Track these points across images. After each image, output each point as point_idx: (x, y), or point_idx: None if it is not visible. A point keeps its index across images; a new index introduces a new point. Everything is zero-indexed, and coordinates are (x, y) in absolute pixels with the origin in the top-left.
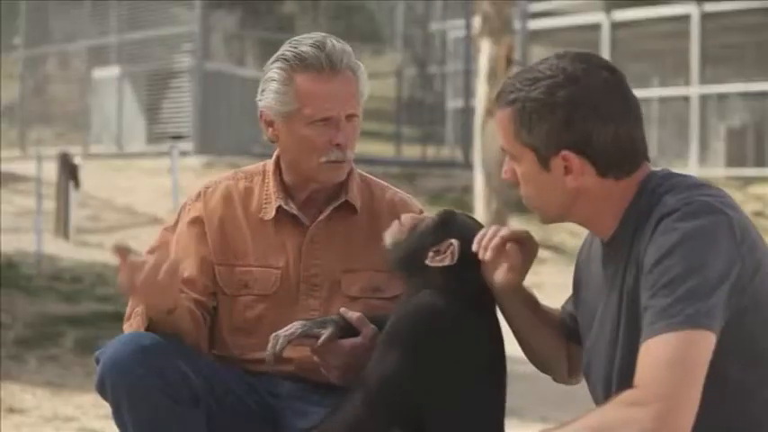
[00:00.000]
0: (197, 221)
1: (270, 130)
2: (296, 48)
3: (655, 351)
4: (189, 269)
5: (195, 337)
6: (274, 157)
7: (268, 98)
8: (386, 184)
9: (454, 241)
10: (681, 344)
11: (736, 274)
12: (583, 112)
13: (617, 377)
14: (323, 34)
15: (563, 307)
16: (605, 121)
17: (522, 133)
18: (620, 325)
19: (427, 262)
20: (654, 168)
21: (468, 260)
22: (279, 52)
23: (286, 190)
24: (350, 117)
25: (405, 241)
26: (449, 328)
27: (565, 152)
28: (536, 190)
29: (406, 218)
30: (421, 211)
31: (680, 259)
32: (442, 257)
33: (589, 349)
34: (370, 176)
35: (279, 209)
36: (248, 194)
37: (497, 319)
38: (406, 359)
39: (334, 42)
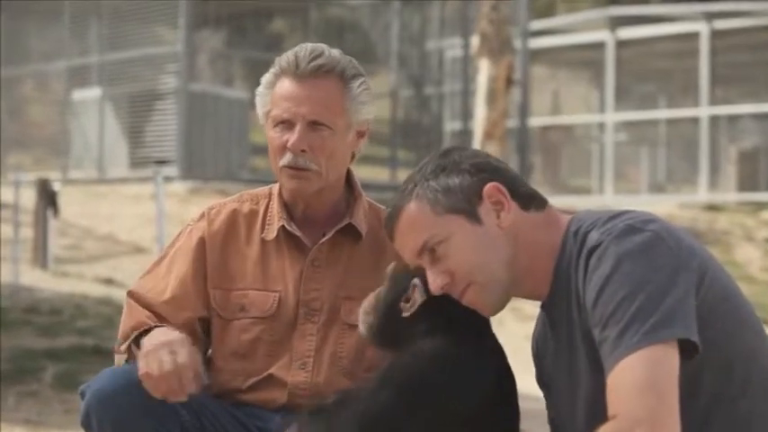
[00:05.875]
0: (198, 242)
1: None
2: (287, 54)
3: (622, 378)
4: (181, 288)
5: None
6: None
7: (257, 101)
8: None
9: (415, 280)
10: (646, 364)
11: (686, 280)
12: (479, 157)
13: (585, 418)
14: (318, 44)
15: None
16: (498, 161)
17: (440, 201)
18: (578, 367)
19: (405, 314)
20: (566, 214)
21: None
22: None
23: (287, 209)
24: (314, 125)
25: (377, 319)
26: (450, 375)
27: (489, 186)
28: (477, 259)
29: (366, 301)
30: None
31: (621, 284)
32: (413, 300)
33: (554, 405)
34: (380, 206)
35: (281, 229)
36: (253, 216)
37: (496, 341)
38: (398, 400)
39: (311, 47)
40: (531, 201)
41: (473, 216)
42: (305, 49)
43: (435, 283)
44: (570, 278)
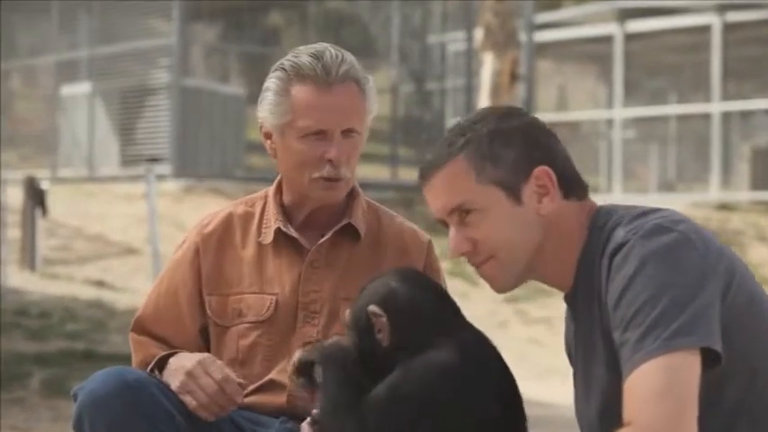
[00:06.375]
0: (191, 253)
1: (268, 142)
2: (296, 57)
3: (640, 385)
4: (176, 308)
5: None
6: (277, 179)
7: (264, 109)
8: (394, 213)
9: (370, 308)
10: (665, 371)
11: (712, 285)
12: (538, 131)
13: (600, 423)
14: (326, 44)
15: None
16: (555, 139)
17: (488, 168)
18: (595, 364)
19: (384, 344)
20: (600, 204)
21: (401, 307)
22: (279, 61)
23: (285, 212)
24: (347, 132)
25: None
26: (456, 386)
27: (540, 169)
28: (506, 238)
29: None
30: (429, 242)
31: (644, 286)
32: (382, 326)
33: (575, 403)
34: (379, 205)
35: (278, 232)
36: (248, 219)
37: (480, 334)
38: (407, 415)
39: (334, 52)
40: (573, 189)
41: (515, 194)
42: (328, 53)
43: (457, 248)
44: (593, 274)
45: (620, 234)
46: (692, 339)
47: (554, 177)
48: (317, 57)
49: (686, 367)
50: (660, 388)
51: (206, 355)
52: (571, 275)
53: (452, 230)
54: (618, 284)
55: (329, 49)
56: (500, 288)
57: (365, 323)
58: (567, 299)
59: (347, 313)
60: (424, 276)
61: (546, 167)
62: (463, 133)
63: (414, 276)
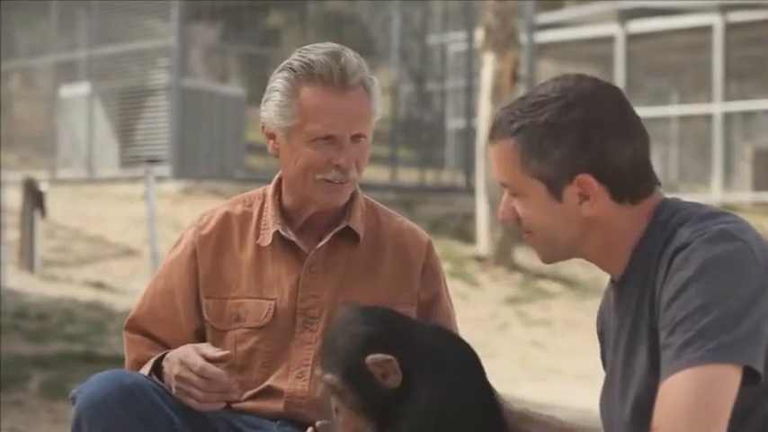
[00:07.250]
0: (188, 253)
1: (271, 143)
2: (305, 56)
3: (674, 391)
4: (171, 308)
5: None
6: (275, 179)
7: (270, 110)
8: (394, 212)
9: (370, 358)
10: (702, 383)
11: (767, 303)
12: (600, 130)
13: (631, 420)
14: (334, 45)
15: None
16: (624, 140)
17: (532, 163)
18: (636, 359)
19: (394, 386)
20: (666, 196)
21: (393, 343)
22: (287, 60)
23: (285, 214)
24: (356, 137)
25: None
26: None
27: (582, 176)
28: (544, 225)
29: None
30: (429, 242)
31: (698, 292)
32: (390, 370)
33: (603, 393)
34: (378, 203)
35: (276, 235)
36: (246, 220)
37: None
38: None
39: (349, 55)
40: (628, 194)
41: (555, 192)
42: (338, 55)
43: (503, 215)
44: (649, 268)
45: (684, 234)
46: (737, 356)
47: (596, 187)
48: (334, 58)
49: (724, 382)
50: (693, 398)
51: (186, 350)
52: (622, 263)
53: (504, 197)
54: (674, 285)
55: (345, 51)
56: (543, 260)
57: (363, 376)
58: (615, 284)
59: (329, 378)
60: (372, 309)
61: (588, 177)
62: (521, 116)
63: (365, 314)
